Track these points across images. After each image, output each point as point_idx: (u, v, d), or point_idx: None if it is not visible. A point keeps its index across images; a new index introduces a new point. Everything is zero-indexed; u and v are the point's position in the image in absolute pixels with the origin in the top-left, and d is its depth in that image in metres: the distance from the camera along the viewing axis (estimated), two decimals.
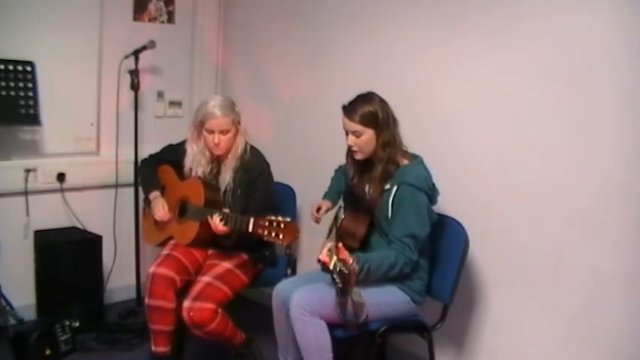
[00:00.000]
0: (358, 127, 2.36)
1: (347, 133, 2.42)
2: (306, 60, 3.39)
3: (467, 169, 2.69)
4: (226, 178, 2.73)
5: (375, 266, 2.25)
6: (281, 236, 2.27)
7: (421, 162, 2.44)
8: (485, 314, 2.69)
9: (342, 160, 2.74)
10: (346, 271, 2.05)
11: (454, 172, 2.67)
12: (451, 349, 2.81)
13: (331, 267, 2.08)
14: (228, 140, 2.69)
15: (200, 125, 2.70)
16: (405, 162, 2.43)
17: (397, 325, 2.44)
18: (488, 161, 2.62)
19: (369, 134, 2.37)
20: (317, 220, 2.72)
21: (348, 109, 2.39)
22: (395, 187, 2.35)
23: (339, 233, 2.54)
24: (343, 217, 2.59)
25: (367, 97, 2.39)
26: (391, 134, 2.38)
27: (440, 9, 2.74)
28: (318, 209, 2.72)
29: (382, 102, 2.40)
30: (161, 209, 2.82)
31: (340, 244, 2.17)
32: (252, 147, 2.78)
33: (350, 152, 2.49)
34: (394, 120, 2.41)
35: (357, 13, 3.09)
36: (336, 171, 2.84)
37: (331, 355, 2.32)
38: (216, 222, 2.49)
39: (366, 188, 2.48)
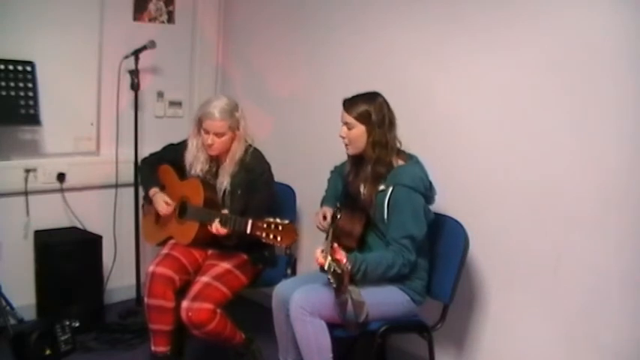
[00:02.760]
0: (350, 120, 2.40)
1: (342, 124, 2.45)
2: (306, 60, 3.39)
3: (467, 169, 2.69)
4: (224, 181, 2.73)
5: (372, 267, 2.26)
6: (279, 238, 2.27)
7: (417, 162, 2.44)
8: (485, 314, 2.69)
9: (342, 159, 2.74)
10: (339, 271, 2.07)
11: (454, 171, 2.67)
12: (451, 349, 2.81)
13: (326, 267, 2.10)
14: (223, 143, 2.69)
15: (199, 122, 2.71)
16: (401, 162, 2.43)
17: (397, 325, 2.44)
18: (488, 161, 2.62)
19: (359, 129, 2.39)
20: (325, 230, 2.69)
21: (347, 102, 2.43)
22: (390, 189, 2.35)
23: (336, 233, 2.53)
24: (339, 216, 2.59)
25: (369, 96, 2.42)
26: (383, 135, 2.39)
27: (439, 8, 2.74)
28: (324, 217, 2.69)
29: (383, 104, 2.41)
30: (163, 204, 2.82)
31: (335, 245, 2.18)
32: (254, 149, 2.78)
33: None
34: (390, 123, 2.41)
35: (356, 13, 3.09)
36: (332, 172, 2.83)
37: (331, 355, 2.32)
38: (216, 226, 2.49)
39: (361, 188, 2.48)
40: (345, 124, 2.42)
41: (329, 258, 2.09)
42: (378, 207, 2.38)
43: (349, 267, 2.12)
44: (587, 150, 2.32)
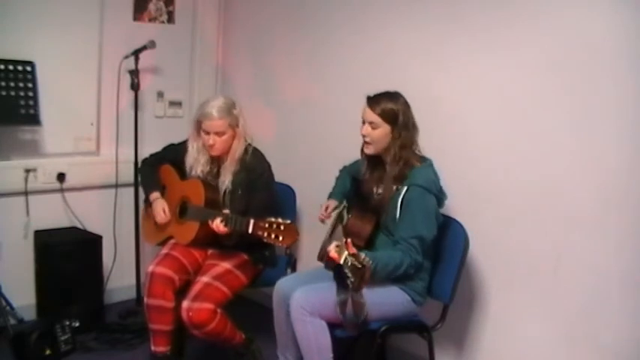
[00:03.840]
0: (376, 119, 2.36)
1: (364, 123, 2.42)
2: (307, 60, 3.38)
3: (467, 169, 2.69)
4: (225, 180, 2.73)
5: (381, 265, 2.24)
6: (281, 238, 2.27)
7: (431, 165, 2.43)
8: (485, 314, 2.69)
9: (342, 159, 2.75)
10: (359, 266, 2.01)
11: (454, 172, 2.66)
12: (451, 349, 2.81)
13: (342, 261, 2.05)
14: (224, 142, 2.69)
15: (198, 124, 2.71)
16: (416, 164, 2.41)
17: (397, 325, 2.44)
18: (489, 161, 2.62)
19: (384, 129, 2.37)
20: (323, 219, 2.69)
21: (372, 100, 2.39)
22: (404, 189, 2.35)
23: (345, 232, 2.53)
24: (349, 216, 2.58)
25: (393, 96, 2.40)
26: (409, 137, 2.38)
27: (439, 8, 2.74)
28: (327, 208, 2.69)
29: (406, 105, 2.40)
30: (161, 212, 2.83)
31: (349, 240, 2.15)
32: (254, 148, 2.78)
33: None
34: (414, 125, 2.41)
35: (356, 13, 3.09)
36: (341, 171, 2.83)
37: (331, 355, 2.33)
38: (217, 223, 2.49)
39: (374, 188, 2.48)
40: (370, 123, 2.38)
41: (345, 253, 2.06)
42: (391, 206, 2.38)
43: (370, 262, 2.05)
44: (587, 150, 2.32)
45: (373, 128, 2.38)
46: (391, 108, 2.35)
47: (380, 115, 2.36)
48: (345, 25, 3.14)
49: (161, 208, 2.83)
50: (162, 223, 2.84)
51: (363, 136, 2.42)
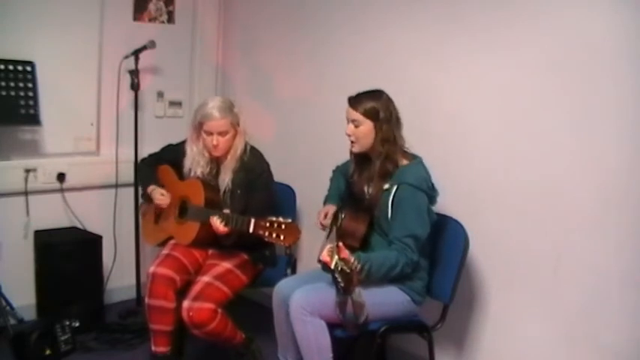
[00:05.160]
0: (358, 117, 2.39)
1: (348, 122, 2.44)
2: (307, 60, 3.39)
3: (467, 169, 2.69)
4: (225, 179, 2.73)
5: (376, 266, 2.25)
6: (282, 237, 2.27)
7: (420, 162, 2.44)
8: (485, 314, 2.69)
9: (342, 159, 2.74)
10: (348, 270, 2.04)
11: (454, 172, 2.67)
12: (451, 349, 2.81)
13: (332, 266, 2.07)
14: (227, 142, 2.69)
15: (199, 127, 2.70)
16: (405, 162, 2.43)
17: (397, 325, 2.44)
18: (489, 161, 2.62)
19: (367, 126, 2.38)
20: (324, 227, 2.69)
21: (353, 100, 2.42)
22: (395, 187, 2.35)
23: (339, 233, 2.53)
24: (343, 216, 2.59)
25: (374, 94, 2.42)
26: (391, 131, 2.39)
27: (439, 8, 2.74)
28: (326, 215, 2.68)
29: (388, 101, 2.42)
30: (160, 196, 2.82)
31: (341, 244, 2.17)
32: (252, 147, 2.78)
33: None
34: (397, 120, 2.42)
35: (356, 13, 3.09)
36: (334, 172, 2.83)
37: (331, 355, 2.32)
38: (217, 223, 2.49)
39: (365, 188, 2.48)
40: (352, 121, 2.41)
41: (335, 257, 2.08)
42: (382, 205, 2.38)
43: (358, 266, 2.09)
44: (587, 150, 2.32)
45: (356, 126, 2.40)
46: (372, 106, 2.38)
47: (361, 113, 2.38)
48: (345, 25, 3.14)
49: (159, 193, 2.83)
50: (165, 205, 2.83)
51: (348, 135, 2.44)
